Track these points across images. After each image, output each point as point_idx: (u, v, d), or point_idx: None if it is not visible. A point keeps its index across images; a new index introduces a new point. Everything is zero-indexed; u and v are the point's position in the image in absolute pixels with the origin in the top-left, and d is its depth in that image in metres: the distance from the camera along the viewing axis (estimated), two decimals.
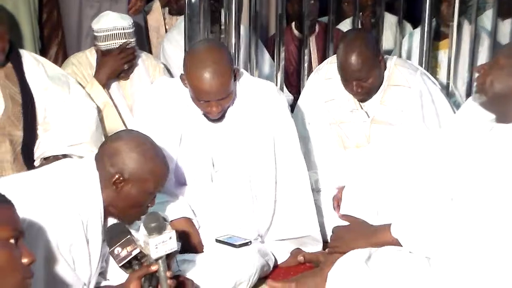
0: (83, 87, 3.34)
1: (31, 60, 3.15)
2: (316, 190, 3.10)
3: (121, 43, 3.39)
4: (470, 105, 2.36)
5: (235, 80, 2.71)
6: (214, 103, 2.64)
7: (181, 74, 2.71)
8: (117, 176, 2.14)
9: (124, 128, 3.36)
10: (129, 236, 1.97)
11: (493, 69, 2.16)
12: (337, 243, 2.40)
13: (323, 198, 3.07)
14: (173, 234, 1.95)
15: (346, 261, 2.23)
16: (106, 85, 3.44)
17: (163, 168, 2.23)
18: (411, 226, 2.22)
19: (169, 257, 1.98)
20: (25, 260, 1.58)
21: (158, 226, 1.93)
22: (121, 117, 3.46)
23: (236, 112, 2.77)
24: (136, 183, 2.16)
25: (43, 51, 3.96)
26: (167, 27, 4.54)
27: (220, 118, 2.75)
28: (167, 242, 1.93)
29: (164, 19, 4.59)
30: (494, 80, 2.15)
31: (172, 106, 2.79)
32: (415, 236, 2.19)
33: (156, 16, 4.54)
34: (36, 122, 3.09)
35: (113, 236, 1.99)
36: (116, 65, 3.42)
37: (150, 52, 4.28)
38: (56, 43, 4.10)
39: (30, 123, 3.07)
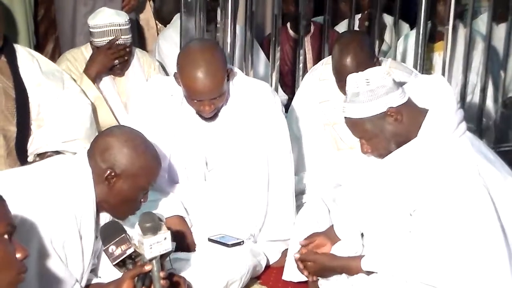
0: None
1: (25, 55, 3.14)
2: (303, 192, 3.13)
3: (117, 40, 3.38)
4: None
5: (228, 80, 2.70)
6: (207, 102, 2.64)
7: (175, 72, 2.71)
8: (108, 172, 2.14)
9: (115, 122, 3.36)
10: (124, 234, 1.97)
11: (367, 141, 2.28)
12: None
13: (307, 199, 3.08)
14: (168, 234, 1.94)
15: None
16: (96, 80, 3.43)
17: (155, 163, 2.23)
18: (379, 259, 2.26)
19: (163, 257, 1.98)
20: (19, 255, 1.59)
21: (153, 227, 1.93)
22: (112, 112, 3.45)
23: (230, 112, 2.77)
24: (128, 178, 2.16)
25: (39, 47, 3.95)
26: (157, 21, 4.52)
27: (213, 117, 2.75)
28: (162, 243, 1.92)
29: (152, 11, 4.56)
30: (371, 147, 2.28)
31: (166, 104, 2.79)
32: (386, 266, 2.24)
33: (144, 8, 4.51)
34: (30, 117, 3.08)
35: (108, 234, 1.99)
36: (105, 61, 3.41)
37: (144, 46, 4.27)
38: (53, 39, 4.09)
39: (24, 119, 3.06)
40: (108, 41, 3.38)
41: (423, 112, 2.23)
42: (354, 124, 2.28)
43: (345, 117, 2.31)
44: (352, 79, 2.26)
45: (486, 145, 2.31)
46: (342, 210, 2.47)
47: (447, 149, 2.17)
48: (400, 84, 2.29)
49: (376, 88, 2.21)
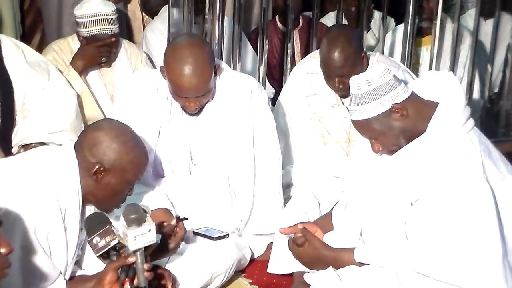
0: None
1: (10, 46, 3.11)
2: (290, 186, 3.13)
3: (104, 29, 3.36)
4: None
5: (215, 76, 2.69)
6: (193, 99, 2.63)
7: (161, 66, 2.69)
8: (97, 167, 2.13)
9: (101, 115, 3.34)
10: (108, 226, 1.96)
11: (377, 140, 2.29)
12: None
13: (294, 192, 3.08)
14: (152, 226, 1.94)
15: (321, 281, 2.26)
16: (83, 73, 3.41)
17: (143, 158, 2.22)
18: (373, 250, 2.27)
19: (147, 249, 1.98)
20: (3, 250, 1.58)
21: (137, 218, 1.92)
22: (98, 104, 3.43)
23: (216, 107, 2.76)
24: (116, 173, 2.15)
25: (25, 38, 3.92)
26: (143, 12, 4.50)
27: (198, 112, 2.74)
28: (146, 235, 1.92)
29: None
30: (382, 146, 2.29)
31: (152, 97, 2.77)
32: (380, 256, 2.24)
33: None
34: (15, 108, 3.06)
35: (93, 226, 1.98)
36: (94, 55, 3.39)
37: (130, 37, 4.26)
38: (40, 30, 4.06)
39: (8, 109, 3.03)
40: (95, 31, 3.35)
41: (430, 105, 2.24)
42: (361, 126, 2.28)
43: (352, 120, 2.31)
44: (354, 82, 2.26)
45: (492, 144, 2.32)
46: (343, 201, 2.47)
47: (455, 143, 2.18)
48: (402, 80, 2.29)
49: (378, 87, 2.22)
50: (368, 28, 4.44)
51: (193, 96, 2.62)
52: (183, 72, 2.57)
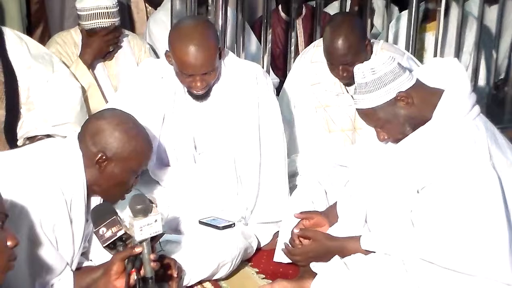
0: (68, 67, 3.31)
1: (14, 38, 3.12)
2: (296, 175, 3.14)
3: (105, 22, 3.36)
4: None
5: (220, 57, 2.70)
6: (199, 77, 2.63)
7: (166, 50, 2.69)
8: (99, 155, 2.13)
9: None
10: (114, 216, 1.96)
11: (382, 128, 2.29)
12: (304, 263, 2.40)
13: (299, 181, 3.09)
14: (158, 217, 1.94)
15: (327, 270, 2.26)
16: (91, 66, 3.42)
17: (146, 147, 2.22)
18: (379, 237, 2.27)
19: (154, 239, 1.98)
20: (9, 243, 1.58)
21: (143, 209, 1.92)
22: (105, 97, 3.43)
23: (221, 93, 2.76)
24: (119, 162, 2.15)
25: (31, 30, 3.92)
26: (146, 3, 4.50)
27: (205, 96, 2.73)
28: (152, 225, 1.92)
29: None
30: (387, 134, 2.29)
31: (156, 85, 2.78)
32: (386, 244, 2.24)
33: None
34: (19, 101, 3.07)
35: (99, 216, 1.98)
36: (102, 46, 3.40)
37: (134, 29, 4.25)
38: (43, 22, 4.06)
39: (13, 102, 3.04)
40: (97, 24, 3.35)
41: (435, 93, 2.23)
42: (367, 115, 2.28)
43: (357, 109, 2.31)
44: (358, 70, 2.26)
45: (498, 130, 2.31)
46: (348, 190, 2.47)
47: (461, 130, 2.18)
48: (406, 68, 2.29)
49: (383, 75, 2.21)
50: (371, 22, 4.42)
51: (199, 73, 2.62)
52: (188, 48, 2.57)
